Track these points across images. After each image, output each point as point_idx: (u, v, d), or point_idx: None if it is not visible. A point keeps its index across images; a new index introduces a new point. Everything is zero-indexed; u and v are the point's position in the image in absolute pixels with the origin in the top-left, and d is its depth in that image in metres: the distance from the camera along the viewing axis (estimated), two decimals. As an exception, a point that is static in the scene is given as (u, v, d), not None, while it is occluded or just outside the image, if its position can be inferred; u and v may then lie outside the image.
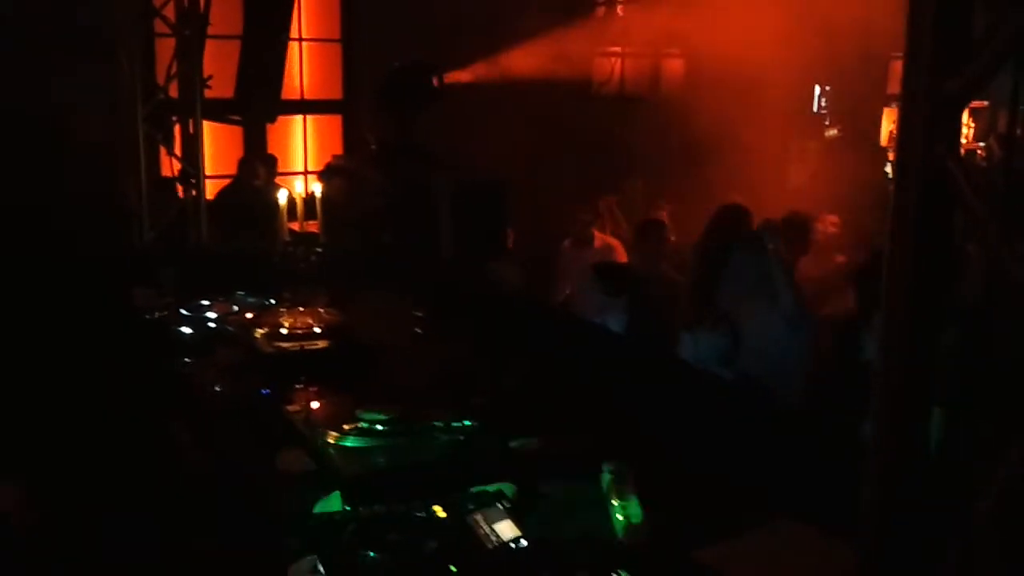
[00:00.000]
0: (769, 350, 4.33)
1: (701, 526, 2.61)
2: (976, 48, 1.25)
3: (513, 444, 3.08)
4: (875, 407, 1.43)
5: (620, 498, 2.68)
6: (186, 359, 4.11)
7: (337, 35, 9.36)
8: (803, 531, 2.51)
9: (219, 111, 8.10)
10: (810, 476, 2.75)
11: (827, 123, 10.28)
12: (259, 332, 4.17)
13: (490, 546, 2.52)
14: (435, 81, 6.95)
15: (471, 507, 2.66)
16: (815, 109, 10.37)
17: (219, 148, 8.61)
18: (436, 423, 3.16)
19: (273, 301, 4.66)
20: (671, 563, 2.48)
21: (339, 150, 9.23)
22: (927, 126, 1.25)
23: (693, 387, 3.65)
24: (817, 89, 10.27)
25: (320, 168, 8.22)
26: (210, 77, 7.50)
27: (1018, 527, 1.39)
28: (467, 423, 3.17)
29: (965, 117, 10.69)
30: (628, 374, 3.66)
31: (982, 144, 10.21)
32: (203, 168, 7.54)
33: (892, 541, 1.46)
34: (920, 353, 1.36)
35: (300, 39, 9.14)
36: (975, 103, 10.27)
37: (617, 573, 2.34)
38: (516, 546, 2.51)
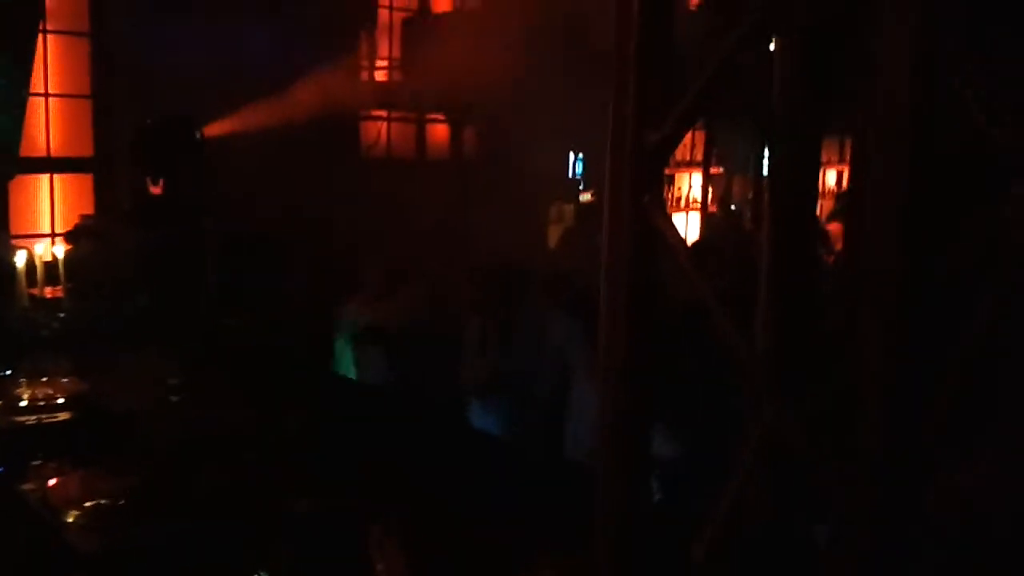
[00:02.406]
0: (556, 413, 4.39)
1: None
2: (673, 102, 1.39)
3: (277, 509, 2.98)
4: (599, 454, 1.53)
5: (382, 559, 2.66)
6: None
7: (88, 90, 8.88)
8: (570, 564, 2.58)
9: (-51, 170, 7.45)
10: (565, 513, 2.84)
11: (581, 187, 10.89)
12: (-8, 405, 3.83)
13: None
14: (196, 135, 6.73)
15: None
16: (570, 175, 10.97)
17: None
18: (188, 492, 3.01)
19: (8, 372, 4.29)
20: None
21: (90, 210, 8.69)
22: (633, 176, 1.37)
23: (459, 441, 3.69)
24: (571, 155, 10.87)
25: (67, 230, 7.71)
26: (-62, 133, 6.89)
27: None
28: (224, 490, 3.04)
29: (699, 181, 11.64)
30: (394, 431, 3.65)
31: (731, 207, 11.20)
32: (-70, 231, 6.87)
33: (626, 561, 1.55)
34: (636, 395, 1.46)
35: (46, 94, 8.60)
36: (712, 170, 11.27)
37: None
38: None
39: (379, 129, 10.39)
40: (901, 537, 1.39)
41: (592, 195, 10.59)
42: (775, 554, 1.77)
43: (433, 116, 10.77)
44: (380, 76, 10.24)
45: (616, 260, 1.37)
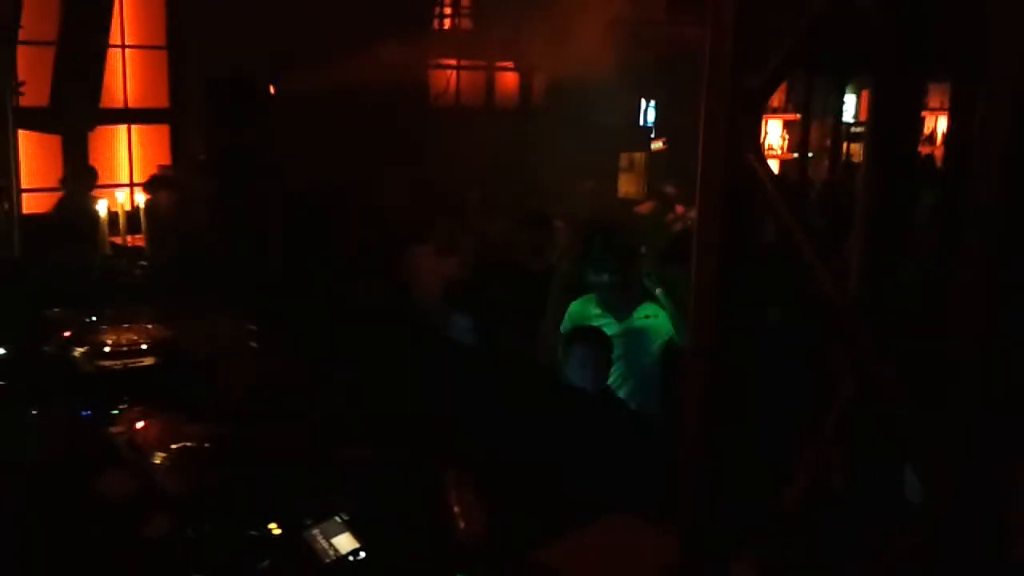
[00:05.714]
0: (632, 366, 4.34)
1: (539, 525, 2.63)
2: (772, 46, 1.32)
3: (347, 454, 3.02)
4: (687, 397, 1.49)
5: (458, 502, 2.68)
6: (-1, 382, 3.83)
7: (163, 42, 8.99)
8: (634, 523, 2.58)
9: (33, 120, 7.63)
10: (642, 470, 2.83)
11: (652, 136, 10.68)
12: (79, 351, 3.94)
13: (328, 560, 2.47)
14: (264, 88, 6.79)
15: (308, 522, 2.59)
16: (642, 123, 10.76)
17: (37, 160, 8.11)
18: (268, 437, 3.07)
19: (94, 318, 4.41)
20: (510, 564, 2.49)
21: (166, 161, 8.85)
22: (729, 120, 1.31)
23: (530, 390, 3.69)
24: (643, 103, 10.65)
25: (146, 180, 7.89)
26: (22, 84, 7.04)
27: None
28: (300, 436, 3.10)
29: (780, 129, 11.38)
30: (461, 380, 3.67)
31: (795, 155, 10.89)
32: (17, 181, 7.06)
33: (708, 526, 1.52)
34: (726, 339, 1.42)
35: (123, 46, 8.73)
36: (789, 116, 10.97)
37: (456, 577, 2.34)
38: (355, 559, 2.47)
39: (447, 78, 10.34)
40: (991, 482, 1.35)
41: (664, 143, 10.41)
42: (865, 497, 1.72)
43: (502, 64, 10.66)
44: (449, 24, 10.15)
45: (710, 203, 1.33)
